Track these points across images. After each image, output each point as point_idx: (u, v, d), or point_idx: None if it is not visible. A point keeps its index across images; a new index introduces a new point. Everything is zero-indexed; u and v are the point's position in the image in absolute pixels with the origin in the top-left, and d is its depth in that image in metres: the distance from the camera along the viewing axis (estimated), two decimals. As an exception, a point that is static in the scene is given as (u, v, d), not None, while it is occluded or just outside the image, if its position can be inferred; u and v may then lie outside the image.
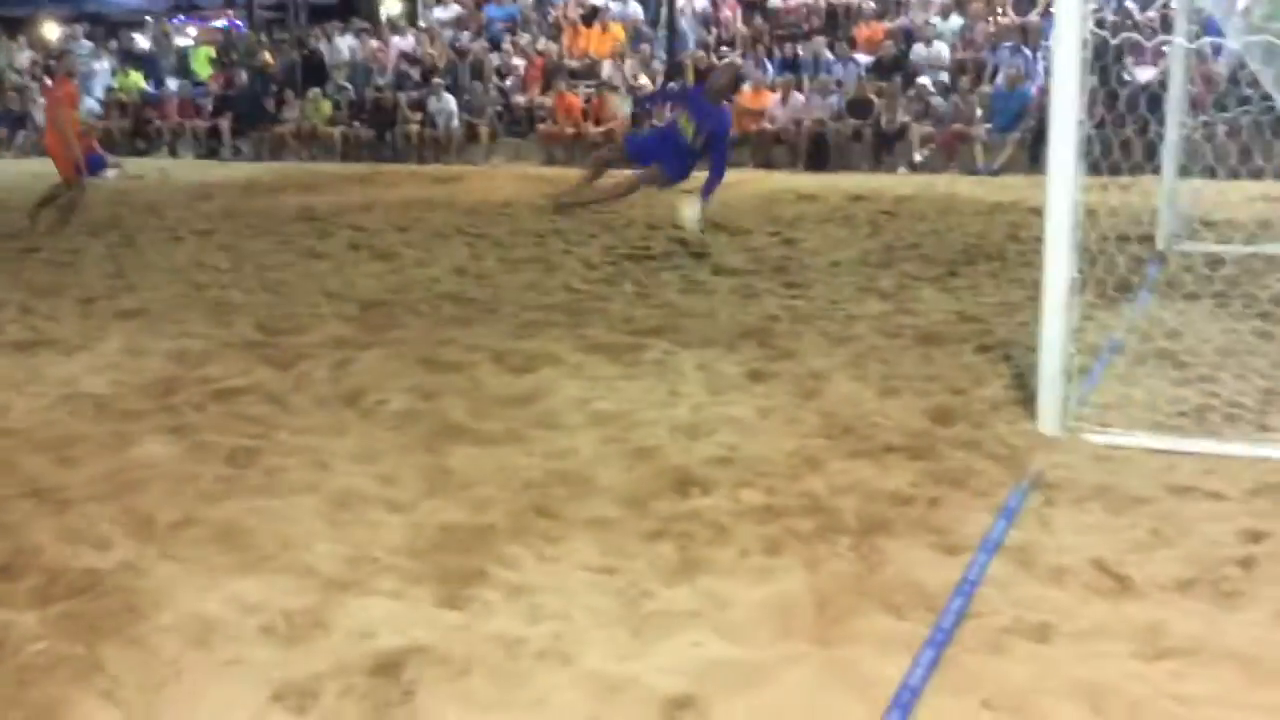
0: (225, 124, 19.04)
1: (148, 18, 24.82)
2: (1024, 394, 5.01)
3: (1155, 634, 3.06)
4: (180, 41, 22.64)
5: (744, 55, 17.33)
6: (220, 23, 25.84)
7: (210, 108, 19.53)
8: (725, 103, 7.80)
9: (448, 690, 2.86)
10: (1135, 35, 6.34)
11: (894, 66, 16.24)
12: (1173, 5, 8.07)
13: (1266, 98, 7.21)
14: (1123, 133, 6.31)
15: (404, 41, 20.08)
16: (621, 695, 2.82)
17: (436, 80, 18.21)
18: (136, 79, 20.85)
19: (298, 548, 3.66)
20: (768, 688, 2.85)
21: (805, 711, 2.77)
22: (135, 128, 19.81)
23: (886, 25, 17.09)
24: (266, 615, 3.21)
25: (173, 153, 19.34)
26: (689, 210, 7.40)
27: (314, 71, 19.70)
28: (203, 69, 20.88)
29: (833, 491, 4.09)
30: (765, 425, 4.87)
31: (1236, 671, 2.87)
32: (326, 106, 18.71)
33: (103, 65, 21.37)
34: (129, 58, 21.88)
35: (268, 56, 20.23)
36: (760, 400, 5.22)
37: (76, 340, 6.49)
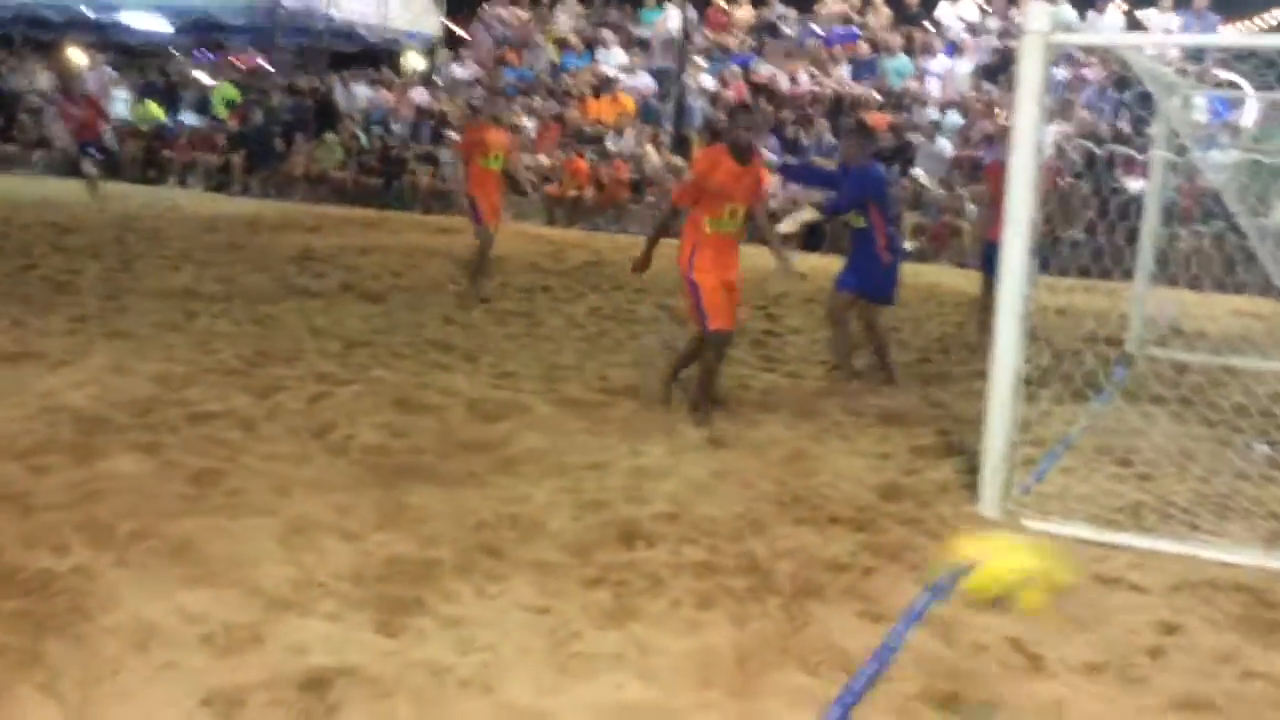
0: (237, 160, 19.37)
1: (171, 49, 25.27)
2: (973, 479, 5.14)
3: (1057, 711, 3.19)
4: (200, 76, 23.01)
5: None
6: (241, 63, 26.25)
7: (224, 143, 19.88)
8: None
9: (370, 710, 2.98)
10: (1122, 148, 6.59)
11: (893, 156, 16.60)
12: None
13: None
14: (1111, 240, 6.50)
15: (419, 94, 20.45)
16: (536, 727, 2.94)
17: (450, 134, 18.55)
18: (154, 109, 21.23)
19: (247, 566, 3.79)
20: (677, 732, 2.97)
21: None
22: (148, 157, 20.13)
23: (889, 117, 17.47)
24: (207, 626, 3.34)
25: (183, 184, 19.63)
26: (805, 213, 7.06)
27: (326, 116, 20.04)
28: (221, 108, 21.23)
29: (772, 555, 4.22)
30: (718, 487, 5.01)
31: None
32: (338, 151, 19.00)
33: (122, 94, 21.77)
34: (148, 88, 22.26)
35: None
36: (717, 464, 5.36)
37: (63, 356, 6.65)
